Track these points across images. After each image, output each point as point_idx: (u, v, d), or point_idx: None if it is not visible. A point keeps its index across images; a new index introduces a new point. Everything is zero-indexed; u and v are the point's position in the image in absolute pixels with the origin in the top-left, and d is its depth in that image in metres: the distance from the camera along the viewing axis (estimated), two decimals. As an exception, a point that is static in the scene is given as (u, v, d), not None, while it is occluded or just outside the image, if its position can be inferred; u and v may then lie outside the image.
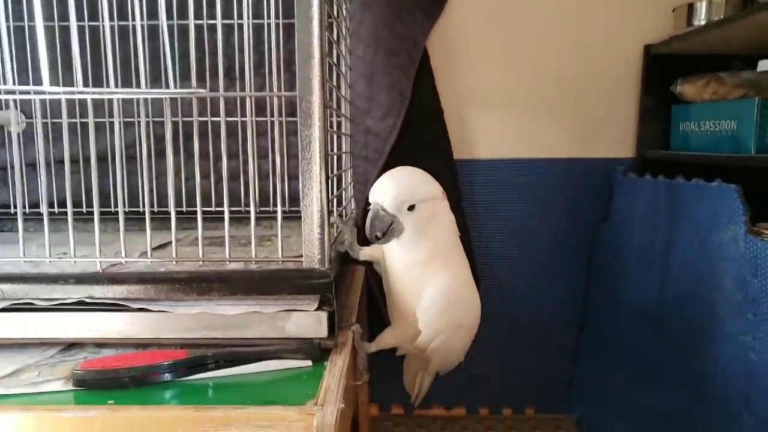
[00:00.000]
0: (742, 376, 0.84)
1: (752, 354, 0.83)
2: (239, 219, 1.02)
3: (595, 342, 1.31)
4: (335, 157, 0.84)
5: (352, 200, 1.12)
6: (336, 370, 0.59)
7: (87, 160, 0.67)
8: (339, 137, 0.94)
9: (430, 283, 0.71)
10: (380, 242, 0.72)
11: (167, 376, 0.55)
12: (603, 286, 1.29)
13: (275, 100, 0.73)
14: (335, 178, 0.78)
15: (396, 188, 0.70)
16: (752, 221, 0.86)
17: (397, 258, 0.74)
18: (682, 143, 1.22)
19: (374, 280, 1.17)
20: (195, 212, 0.65)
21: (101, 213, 0.65)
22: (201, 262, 0.66)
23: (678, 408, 0.99)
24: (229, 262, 0.66)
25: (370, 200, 0.72)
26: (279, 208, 0.68)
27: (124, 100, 1.01)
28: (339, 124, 0.97)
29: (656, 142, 1.29)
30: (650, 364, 1.08)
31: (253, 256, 0.66)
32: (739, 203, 0.86)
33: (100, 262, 0.63)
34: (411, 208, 0.70)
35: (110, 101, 0.94)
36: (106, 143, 1.00)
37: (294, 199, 0.76)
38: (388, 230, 0.71)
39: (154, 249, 0.66)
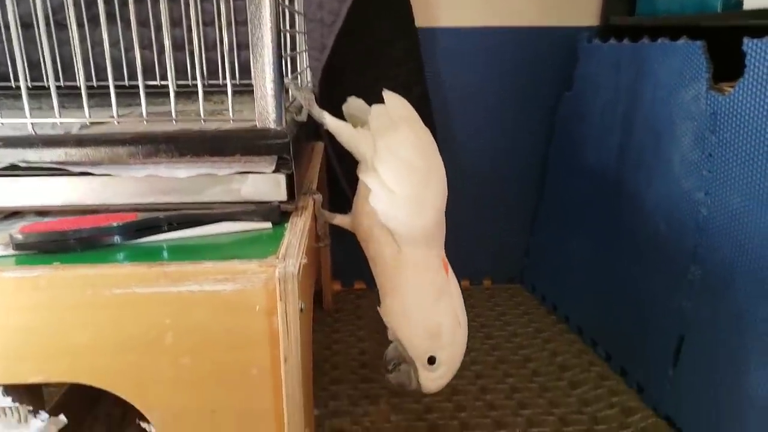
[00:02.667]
0: (692, 231, 0.86)
1: (703, 209, 0.84)
2: (187, 94, 0.96)
3: (552, 211, 1.33)
4: (287, 13, 0.78)
5: (308, 70, 1.06)
6: (297, 229, 0.57)
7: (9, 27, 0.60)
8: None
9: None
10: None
11: (117, 239, 0.52)
12: (563, 155, 1.29)
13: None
14: (287, 35, 0.72)
15: None
16: (715, 80, 0.84)
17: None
18: (649, 8, 1.18)
19: (334, 155, 1.14)
20: (137, 86, 0.59)
21: (35, 87, 0.59)
22: (145, 123, 0.61)
23: (630, 269, 1.02)
24: (176, 122, 0.61)
25: None
26: (228, 75, 0.62)
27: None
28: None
29: (622, 8, 1.25)
30: (606, 230, 1.11)
31: (202, 118, 0.62)
32: (703, 59, 0.84)
33: (32, 123, 0.57)
34: None
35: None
36: (30, 7, 0.91)
37: (245, 71, 0.70)
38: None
39: (93, 125, 0.61)
